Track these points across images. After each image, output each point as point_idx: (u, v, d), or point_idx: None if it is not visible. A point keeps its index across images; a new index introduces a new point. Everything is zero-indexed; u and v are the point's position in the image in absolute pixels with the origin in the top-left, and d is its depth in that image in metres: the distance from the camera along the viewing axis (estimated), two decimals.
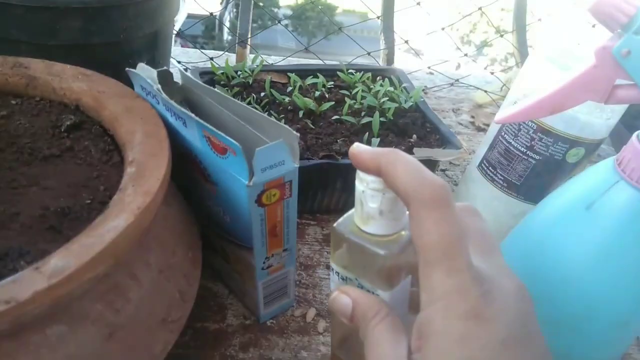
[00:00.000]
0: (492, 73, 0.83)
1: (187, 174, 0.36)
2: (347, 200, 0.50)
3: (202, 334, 0.39)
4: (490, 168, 0.46)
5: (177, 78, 0.36)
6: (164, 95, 0.33)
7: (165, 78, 0.35)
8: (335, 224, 0.27)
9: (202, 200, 0.37)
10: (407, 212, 0.24)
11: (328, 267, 0.46)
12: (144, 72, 0.35)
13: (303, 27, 4.48)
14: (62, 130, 0.33)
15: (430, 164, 0.48)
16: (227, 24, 3.37)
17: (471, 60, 0.90)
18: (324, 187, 0.48)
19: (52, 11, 0.40)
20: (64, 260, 0.22)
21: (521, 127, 0.43)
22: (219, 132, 0.29)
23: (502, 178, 0.45)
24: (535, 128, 0.42)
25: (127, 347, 0.26)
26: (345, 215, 0.28)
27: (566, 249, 0.31)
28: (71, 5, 0.40)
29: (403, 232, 0.27)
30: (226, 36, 3.60)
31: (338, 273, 0.29)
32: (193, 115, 0.31)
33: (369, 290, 0.28)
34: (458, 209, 0.22)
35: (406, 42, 0.80)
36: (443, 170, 0.60)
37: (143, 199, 0.26)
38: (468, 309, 0.21)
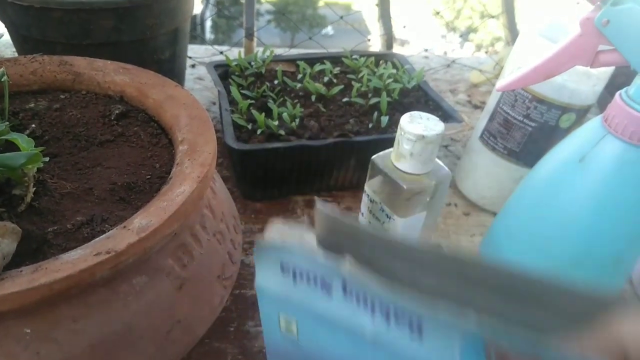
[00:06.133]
0: (486, 52, 0.87)
1: None
2: (360, 177, 0.54)
3: (242, 299, 0.43)
4: (491, 138, 0.51)
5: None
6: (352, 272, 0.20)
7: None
8: (374, 156, 0.37)
9: None
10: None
11: None
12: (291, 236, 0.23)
13: (286, 22, 4.49)
14: (112, 118, 0.37)
15: None
16: (209, 22, 3.42)
17: (458, 48, 0.94)
18: (339, 165, 0.52)
19: (87, 12, 0.43)
20: (146, 220, 0.26)
21: (517, 97, 0.47)
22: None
23: (503, 146, 0.50)
24: (530, 98, 0.46)
25: (193, 298, 0.30)
26: (384, 151, 0.37)
27: (564, 197, 0.36)
28: (105, 6, 0.43)
29: (426, 177, 0.35)
30: (208, 35, 3.63)
31: (368, 196, 0.38)
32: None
33: (387, 215, 0.36)
34: None
35: (404, 27, 0.84)
36: (445, 146, 0.65)
37: (201, 169, 0.30)
38: None
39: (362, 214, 0.41)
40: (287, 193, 0.53)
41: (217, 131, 0.62)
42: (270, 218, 0.51)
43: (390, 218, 0.37)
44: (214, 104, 0.68)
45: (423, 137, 0.34)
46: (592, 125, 0.36)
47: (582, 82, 0.44)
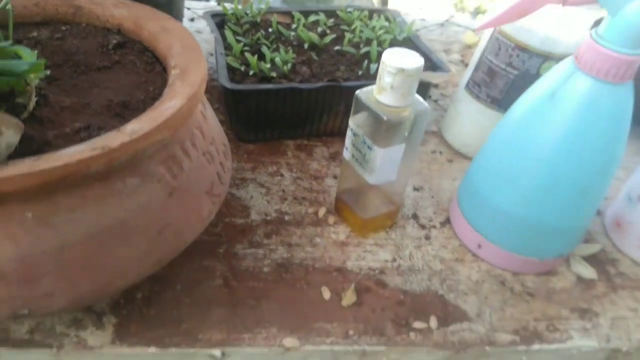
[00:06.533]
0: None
1: None
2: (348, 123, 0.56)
3: (231, 226, 0.46)
4: (475, 86, 0.53)
5: None
6: None
7: None
8: (358, 91, 0.40)
9: None
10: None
11: (334, 177, 0.52)
12: None
13: None
14: (110, 48, 0.39)
15: (423, 86, 0.54)
16: None
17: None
18: (329, 110, 0.54)
19: None
20: (138, 125, 0.28)
21: (501, 46, 0.49)
22: None
23: (486, 94, 0.52)
24: (513, 46, 0.48)
25: (183, 206, 0.33)
26: (368, 87, 0.40)
27: (536, 131, 0.38)
28: None
29: (405, 110, 0.38)
30: None
31: (352, 129, 0.41)
32: None
33: (368, 146, 0.39)
34: None
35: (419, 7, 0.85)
36: (435, 101, 0.67)
37: (190, 88, 0.32)
38: None
39: (347, 148, 0.43)
40: (278, 136, 0.55)
41: (212, 79, 0.64)
42: (262, 158, 0.53)
43: (371, 149, 0.40)
44: (211, 55, 0.70)
45: (403, 70, 0.36)
46: (564, 63, 0.38)
47: (564, 31, 0.46)
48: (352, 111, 0.41)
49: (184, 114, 0.31)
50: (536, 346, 0.39)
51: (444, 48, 0.80)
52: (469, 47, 0.80)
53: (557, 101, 0.37)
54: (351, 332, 0.39)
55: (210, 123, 0.38)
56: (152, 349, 0.36)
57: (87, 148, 0.26)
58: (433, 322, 0.40)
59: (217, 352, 0.37)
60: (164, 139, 0.30)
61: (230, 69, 0.51)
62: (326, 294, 0.41)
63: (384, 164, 0.40)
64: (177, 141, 0.32)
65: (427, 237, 0.47)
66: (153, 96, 0.35)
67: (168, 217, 0.32)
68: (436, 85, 0.69)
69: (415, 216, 0.49)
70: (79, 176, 0.26)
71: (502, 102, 0.51)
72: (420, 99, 0.39)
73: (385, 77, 0.37)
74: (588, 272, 0.45)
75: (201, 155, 0.35)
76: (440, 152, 0.58)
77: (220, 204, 0.37)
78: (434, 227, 0.48)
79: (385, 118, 0.38)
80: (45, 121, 0.31)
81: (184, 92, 0.32)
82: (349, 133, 0.42)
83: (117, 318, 0.38)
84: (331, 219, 0.48)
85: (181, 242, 0.33)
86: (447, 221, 0.49)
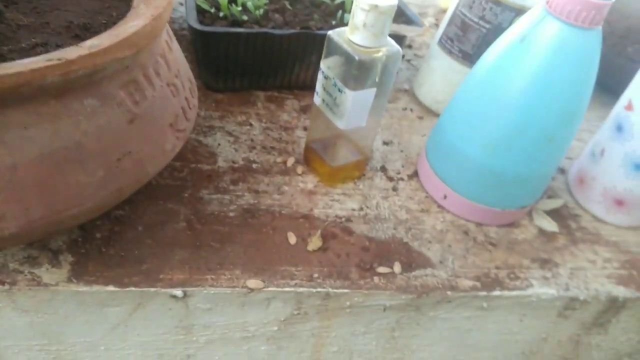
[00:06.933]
0: None
1: None
2: None
3: (197, 172, 0.45)
4: (448, 41, 0.52)
5: None
6: None
7: None
8: (330, 31, 0.38)
9: None
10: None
11: (304, 129, 0.52)
12: None
13: None
14: None
15: (397, 40, 0.53)
16: None
17: None
18: (301, 60, 0.53)
19: None
20: (98, 41, 0.27)
21: None
22: None
23: (458, 49, 0.52)
24: None
25: (144, 135, 0.31)
26: (340, 28, 0.39)
27: (505, 76, 0.38)
28: None
29: (377, 51, 0.37)
30: None
31: (323, 72, 0.40)
32: None
33: (339, 89, 0.38)
34: None
35: None
36: (408, 61, 0.66)
37: (154, 10, 0.31)
38: None
39: (317, 93, 0.42)
40: (248, 86, 0.54)
41: (182, 28, 0.62)
42: (231, 108, 0.52)
43: (341, 92, 0.39)
44: (181, 4, 0.67)
45: (376, 6, 0.36)
46: (535, 9, 0.38)
47: None
48: (323, 53, 0.40)
49: (147, 35, 0.30)
50: (497, 292, 0.40)
51: (419, 11, 0.79)
52: (444, 11, 0.80)
53: (527, 45, 0.37)
54: (315, 275, 0.38)
55: (176, 55, 0.36)
56: (110, 288, 0.35)
57: (43, 59, 0.25)
58: (397, 267, 0.40)
59: (178, 292, 0.36)
60: (124, 59, 0.28)
61: (200, 12, 0.50)
62: (292, 239, 0.41)
63: (355, 109, 0.40)
64: (140, 66, 0.31)
65: (395, 189, 0.47)
66: (115, 20, 0.33)
67: (128, 145, 0.30)
68: (410, 46, 0.69)
69: (383, 169, 0.49)
70: (33, 89, 0.25)
71: (473, 57, 0.51)
72: (392, 41, 0.39)
73: (358, 14, 0.36)
74: (550, 225, 0.46)
75: (165, 85, 0.34)
76: (411, 110, 0.57)
77: (185, 141, 0.36)
78: (402, 179, 0.48)
79: (357, 58, 0.37)
80: (1, 38, 0.29)
81: (147, 14, 0.30)
82: (319, 76, 0.41)
83: (74, 257, 0.37)
84: (300, 169, 0.47)
85: (142, 174, 0.32)
86: (414, 174, 0.49)
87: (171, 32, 0.38)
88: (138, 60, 0.31)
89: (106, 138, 0.29)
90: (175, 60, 0.36)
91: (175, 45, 0.38)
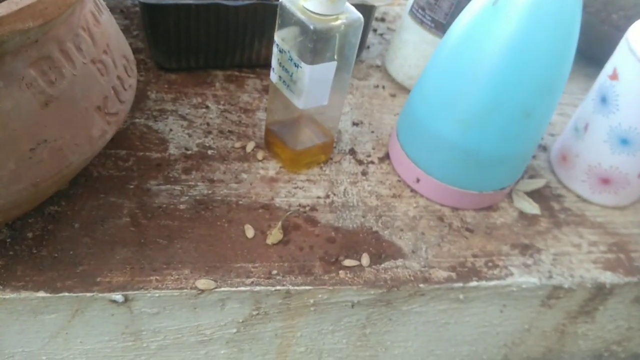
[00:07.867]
0: None
1: None
2: None
3: (145, 161, 0.40)
4: (420, 10, 0.48)
5: None
6: None
7: None
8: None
9: None
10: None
11: (265, 109, 0.48)
12: None
13: None
14: None
15: (365, 11, 0.49)
16: None
17: None
18: (260, 35, 0.49)
19: None
20: None
21: None
22: None
23: (430, 19, 0.48)
24: None
25: (64, 120, 0.27)
26: None
27: (477, 46, 0.34)
28: None
29: (335, 19, 0.33)
30: None
31: (278, 45, 0.36)
32: None
33: (295, 64, 0.33)
34: None
35: None
36: (381, 35, 0.62)
37: None
38: None
39: (273, 69, 0.38)
40: (204, 65, 0.50)
41: (134, 5, 0.58)
42: (185, 89, 0.48)
43: (298, 67, 0.35)
44: None
45: None
46: None
47: None
48: (277, 24, 0.36)
49: (58, 3, 0.25)
50: (473, 283, 0.37)
51: None
52: None
53: (499, 9, 0.33)
54: (274, 272, 0.35)
55: (105, 28, 0.32)
56: (41, 294, 0.31)
57: None
58: (365, 259, 0.36)
59: (118, 296, 0.32)
60: (28, 30, 0.24)
61: None
62: (249, 232, 0.37)
63: (314, 85, 0.36)
64: (54, 40, 0.27)
65: (364, 173, 0.43)
66: None
67: (43, 132, 0.26)
68: (383, 19, 0.65)
69: (352, 152, 0.45)
70: None
71: (446, 27, 0.47)
72: (352, 8, 0.35)
73: None
74: (531, 207, 0.42)
75: (90, 63, 0.29)
76: (383, 87, 0.53)
77: (118, 126, 0.32)
78: (372, 162, 0.45)
79: (312, 27, 0.33)
80: None
81: None
82: (274, 50, 0.37)
83: (1, 259, 0.32)
84: (260, 154, 0.43)
85: (63, 164, 0.28)
86: (386, 157, 0.45)
87: (101, 2, 0.33)
88: (51, 34, 0.26)
89: (13, 125, 0.25)
90: (103, 34, 0.31)
91: (105, 17, 0.33)
